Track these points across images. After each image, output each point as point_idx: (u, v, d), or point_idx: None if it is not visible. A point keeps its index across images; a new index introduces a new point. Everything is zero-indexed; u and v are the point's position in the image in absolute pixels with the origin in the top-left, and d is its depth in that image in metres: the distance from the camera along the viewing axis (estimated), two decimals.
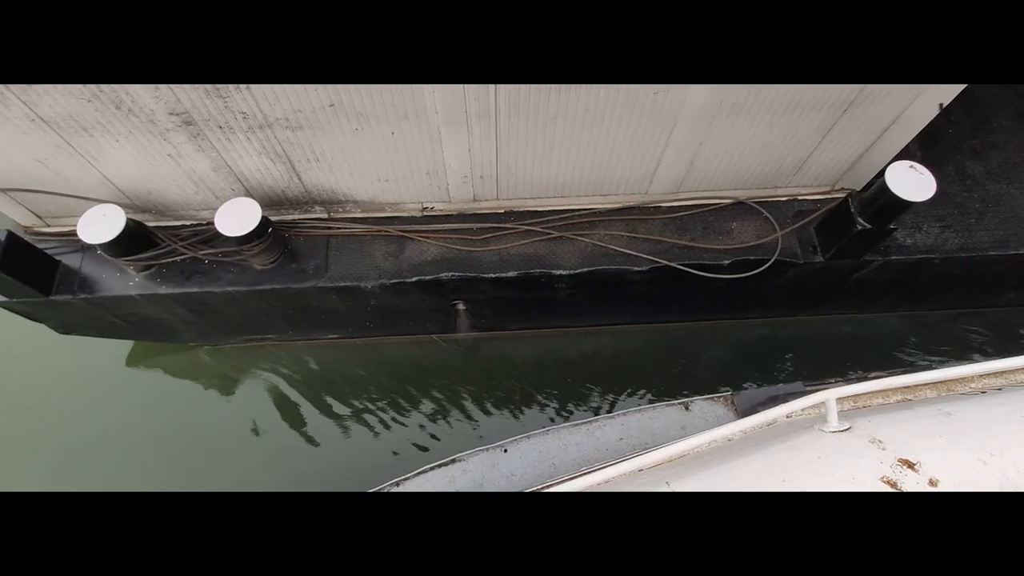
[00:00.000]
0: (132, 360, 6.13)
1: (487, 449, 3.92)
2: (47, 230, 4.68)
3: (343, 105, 3.68)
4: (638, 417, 4.05)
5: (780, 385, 4.05)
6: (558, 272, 4.73)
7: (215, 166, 4.14)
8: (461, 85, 3.56)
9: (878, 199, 4.17)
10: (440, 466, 3.85)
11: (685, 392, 6.16)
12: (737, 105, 3.91)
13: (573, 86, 3.64)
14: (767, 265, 4.72)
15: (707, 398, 4.09)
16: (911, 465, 2.32)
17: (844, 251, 4.71)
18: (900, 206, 4.07)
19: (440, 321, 5.66)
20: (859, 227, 4.33)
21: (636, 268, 4.77)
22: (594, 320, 6.00)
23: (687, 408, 4.06)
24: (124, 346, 6.12)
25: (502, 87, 3.63)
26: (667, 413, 4.04)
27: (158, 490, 5.49)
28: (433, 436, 5.93)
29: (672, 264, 4.72)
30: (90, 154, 3.94)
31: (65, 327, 5.11)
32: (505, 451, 3.93)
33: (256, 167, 4.18)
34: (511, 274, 4.71)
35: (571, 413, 6.07)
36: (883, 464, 2.35)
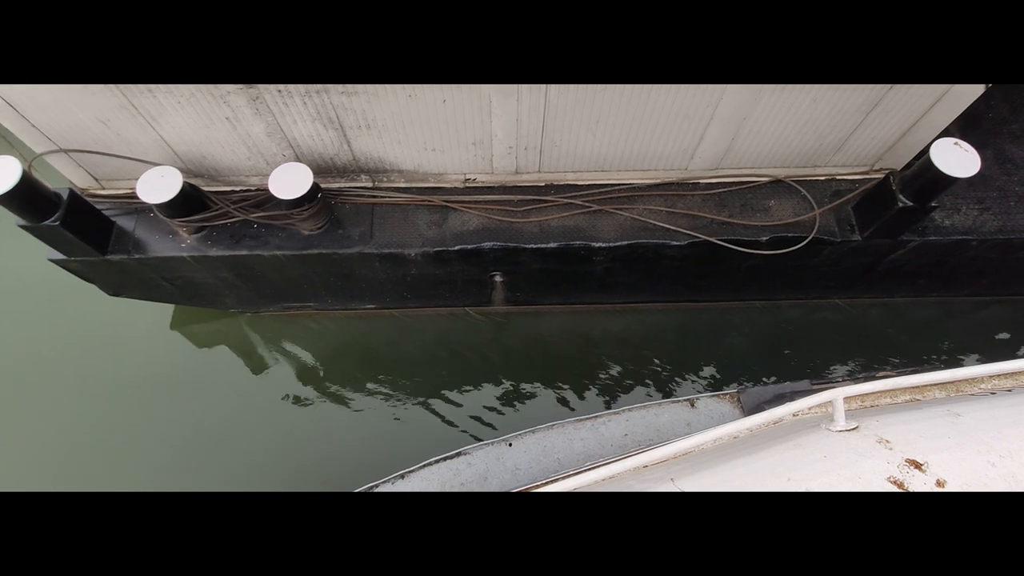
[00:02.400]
0: (173, 326, 6.29)
1: (492, 443, 3.97)
2: (102, 192, 4.83)
3: None
4: (643, 413, 4.08)
5: (787, 383, 4.05)
6: (597, 244, 4.81)
7: (270, 131, 4.25)
8: None
9: (921, 176, 4.20)
10: (445, 459, 3.90)
11: (712, 371, 6.23)
12: None
13: None
14: (805, 242, 4.77)
15: (713, 395, 4.12)
16: (918, 466, 2.30)
17: (882, 230, 4.74)
18: (944, 183, 4.10)
19: (475, 294, 5.76)
20: (900, 204, 4.36)
21: (674, 242, 4.84)
22: (627, 297, 6.07)
23: (693, 405, 4.08)
24: (165, 310, 6.30)
25: None
26: (672, 410, 4.07)
27: (188, 463, 5.66)
28: (447, 419, 6.00)
29: (710, 239, 4.78)
30: (151, 115, 4.07)
31: (115, 288, 5.26)
32: (510, 445, 3.97)
33: (309, 133, 4.29)
34: (552, 245, 4.79)
35: (595, 395, 6.14)
36: (890, 464, 2.33)
